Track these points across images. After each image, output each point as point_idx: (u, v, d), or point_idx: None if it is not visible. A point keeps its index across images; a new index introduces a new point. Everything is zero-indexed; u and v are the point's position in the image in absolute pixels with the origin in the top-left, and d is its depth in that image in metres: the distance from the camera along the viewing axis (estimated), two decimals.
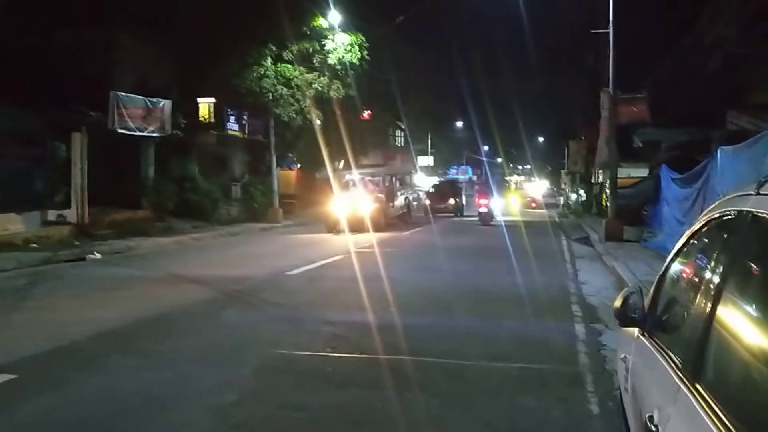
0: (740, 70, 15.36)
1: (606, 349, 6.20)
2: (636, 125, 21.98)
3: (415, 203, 31.50)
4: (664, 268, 2.98)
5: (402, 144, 48.39)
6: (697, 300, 2.35)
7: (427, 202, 33.15)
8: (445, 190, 36.63)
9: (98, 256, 13.79)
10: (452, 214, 33.66)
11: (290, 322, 7.55)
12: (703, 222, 2.60)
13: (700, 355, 2.00)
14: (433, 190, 36.82)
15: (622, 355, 3.29)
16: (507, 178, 76.94)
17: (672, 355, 2.33)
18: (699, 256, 2.57)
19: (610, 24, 16.98)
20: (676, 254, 2.88)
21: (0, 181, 16.13)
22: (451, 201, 34.94)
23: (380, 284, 10.27)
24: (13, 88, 15.38)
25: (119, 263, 13.31)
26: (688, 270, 2.73)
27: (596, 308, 8.38)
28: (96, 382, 5.26)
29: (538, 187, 72.61)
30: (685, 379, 2.03)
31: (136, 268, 12.33)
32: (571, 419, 4.53)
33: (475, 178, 62.89)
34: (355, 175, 24.44)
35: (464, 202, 36.66)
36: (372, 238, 18.27)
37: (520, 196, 48.58)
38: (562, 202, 51.04)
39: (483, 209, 26.60)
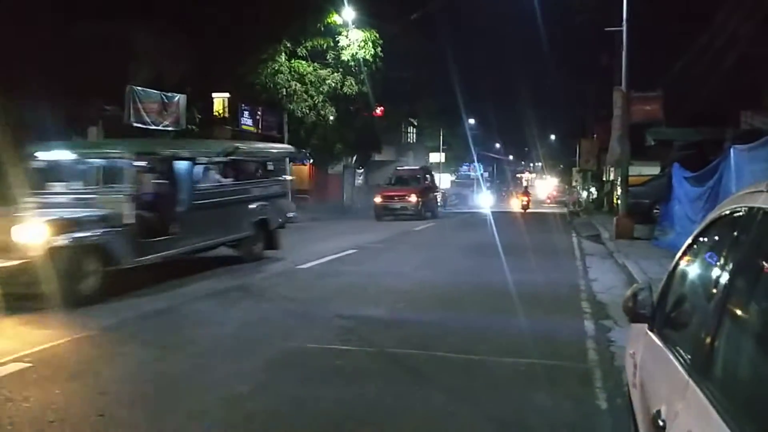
0: (755, 70, 15.27)
1: (615, 346, 6.22)
2: (649, 124, 21.92)
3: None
4: (673, 264, 3.00)
5: (414, 141, 48.38)
6: (706, 297, 2.38)
7: (377, 200, 26.23)
8: (404, 182, 27.87)
9: None
10: (412, 216, 25.09)
11: (302, 316, 7.62)
12: (713, 219, 2.62)
13: (709, 351, 2.02)
14: (387, 183, 28.77)
15: (631, 351, 3.32)
16: (518, 175, 76.83)
17: (681, 352, 2.35)
18: (709, 253, 2.59)
19: (624, 22, 16.91)
20: (686, 251, 2.90)
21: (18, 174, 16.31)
22: (412, 198, 25.74)
23: (390, 279, 10.34)
24: (30, 82, 15.54)
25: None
26: (697, 267, 2.75)
27: (606, 305, 8.39)
28: (108, 374, 5.35)
29: (549, 184, 72.43)
30: (693, 376, 2.05)
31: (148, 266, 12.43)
32: (579, 415, 4.57)
33: (486, 175, 62.82)
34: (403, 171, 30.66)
35: (440, 201, 31.87)
36: (385, 233, 18.36)
37: (526, 194, 48.78)
38: (569, 200, 50.90)
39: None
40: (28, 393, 4.76)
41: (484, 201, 45.65)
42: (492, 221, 23.29)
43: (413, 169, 30.87)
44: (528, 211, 36.53)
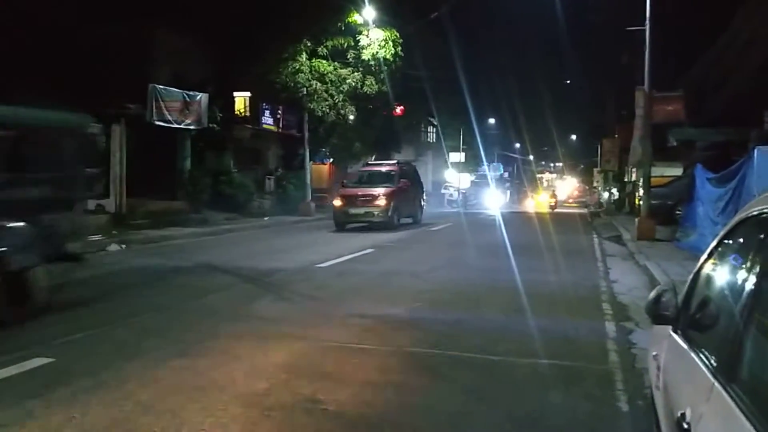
0: None
1: (636, 348, 6.16)
2: (671, 124, 21.69)
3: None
4: (698, 266, 2.97)
5: (434, 140, 48.32)
6: (732, 299, 2.36)
7: (336, 203, 20.46)
8: (374, 180, 21.61)
9: (116, 247, 13.70)
10: (379, 224, 19.75)
11: (320, 314, 7.65)
12: (739, 220, 2.59)
13: (735, 354, 2.00)
14: (354, 181, 22.35)
15: (654, 353, 3.29)
16: (539, 176, 76.42)
17: (706, 354, 2.33)
18: (734, 255, 2.57)
19: (647, 21, 16.75)
20: (711, 252, 2.87)
21: None
22: (380, 202, 19.93)
23: (408, 278, 10.34)
24: (54, 81, 15.75)
25: (155, 252, 13.56)
26: (723, 269, 2.72)
27: (627, 307, 8.31)
28: (129, 369, 5.40)
29: (569, 185, 71.97)
30: (719, 379, 2.03)
31: (171, 258, 12.56)
32: (599, 417, 4.53)
33: (506, 175, 62.54)
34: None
35: (422, 204, 23.97)
36: (403, 233, 18.37)
37: (551, 194, 48.29)
38: (590, 200, 50.49)
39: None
40: None
41: (493, 201, 42.36)
42: (502, 224, 23.06)
43: (388, 164, 23.57)
44: (555, 210, 38.34)
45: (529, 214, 32.50)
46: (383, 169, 22.74)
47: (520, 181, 68.29)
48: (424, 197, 24.43)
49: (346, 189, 21.11)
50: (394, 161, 24.87)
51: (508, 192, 57.31)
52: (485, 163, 53.04)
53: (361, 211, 19.77)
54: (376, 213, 19.69)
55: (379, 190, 20.21)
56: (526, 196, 53.86)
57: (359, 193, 20.33)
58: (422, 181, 26.06)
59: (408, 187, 21.84)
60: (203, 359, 5.68)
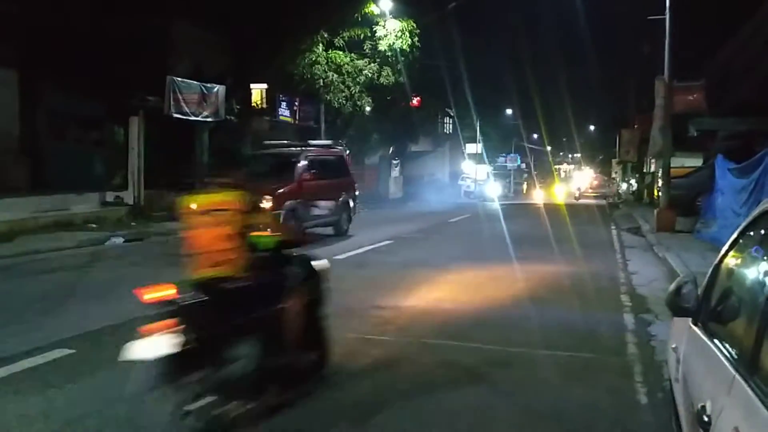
0: None
1: (655, 340, 6.14)
2: (691, 114, 21.42)
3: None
4: (719, 258, 2.95)
5: (451, 131, 48.14)
6: (753, 291, 2.34)
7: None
8: (267, 172, 13.56)
9: (120, 240, 13.59)
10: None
11: (338, 306, 7.60)
12: (761, 212, 2.57)
13: (757, 347, 2.00)
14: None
15: (674, 345, 3.27)
16: (557, 167, 75.91)
17: (727, 347, 2.32)
18: (756, 246, 2.55)
19: (667, 10, 16.54)
20: (733, 244, 2.85)
21: (61, 164, 16.76)
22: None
23: (427, 269, 10.34)
24: (74, 74, 15.90)
25: (172, 244, 13.64)
26: (744, 261, 2.70)
27: (646, 299, 8.27)
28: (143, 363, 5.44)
29: (587, 176, 71.42)
30: (740, 371, 2.03)
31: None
32: (619, 409, 4.52)
33: (524, 166, 62.18)
34: None
35: (352, 207, 16.36)
36: (422, 224, 18.36)
37: (567, 185, 48.10)
38: (609, 191, 50.09)
39: None
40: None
41: (493, 191, 39.41)
42: (519, 216, 22.89)
43: (287, 149, 16.01)
44: (576, 201, 38.45)
45: (546, 206, 32.28)
46: (277, 155, 15.35)
47: (528, 172, 68.00)
48: (354, 198, 16.57)
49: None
50: (301, 144, 16.78)
51: (525, 183, 56.97)
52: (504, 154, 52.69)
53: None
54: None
55: (265, 189, 12.47)
56: (534, 187, 53.28)
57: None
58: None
59: (319, 184, 14.49)
60: None
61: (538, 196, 43.64)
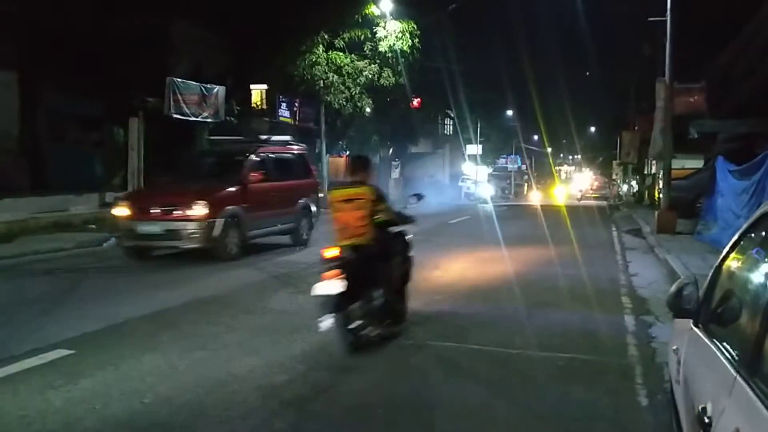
0: None
1: (656, 342, 6.12)
2: (692, 116, 21.38)
3: None
4: (720, 259, 2.94)
5: (451, 133, 48.15)
6: (755, 293, 2.33)
7: (119, 211, 11.42)
8: (209, 172, 13.03)
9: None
10: (196, 250, 11.05)
11: None
12: (762, 214, 2.56)
13: (758, 348, 1.99)
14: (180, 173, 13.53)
15: (674, 347, 3.26)
16: (557, 168, 75.93)
17: (728, 348, 2.31)
18: (757, 248, 2.54)
19: (668, 11, 16.53)
20: (734, 246, 2.84)
21: (60, 164, 16.76)
22: (194, 211, 10.88)
23: (427, 271, 10.32)
24: (74, 75, 15.91)
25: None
26: (745, 262, 2.69)
27: (647, 300, 8.25)
28: (151, 360, 5.45)
29: (588, 177, 71.42)
30: (741, 372, 2.02)
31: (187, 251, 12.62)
32: (619, 411, 4.51)
33: (524, 167, 62.19)
34: None
35: (312, 213, 14.15)
36: (422, 226, 18.32)
37: (567, 187, 48.08)
38: (609, 193, 50.05)
39: None
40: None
41: (486, 192, 39.31)
42: (519, 218, 22.83)
43: (238, 147, 13.69)
44: (576, 203, 38.61)
45: (546, 208, 32.22)
46: (222, 153, 13.95)
47: (538, 173, 67.87)
48: (317, 202, 14.31)
49: (144, 189, 15.37)
50: (253, 140, 13.94)
51: (525, 185, 56.98)
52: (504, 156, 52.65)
53: (157, 228, 10.95)
54: (184, 232, 10.78)
55: (195, 190, 11.26)
56: (531, 188, 53.13)
57: (158, 196, 11.74)
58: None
59: (271, 186, 12.42)
60: (221, 352, 5.72)
61: (535, 198, 43.55)
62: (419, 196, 7.87)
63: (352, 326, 5.74)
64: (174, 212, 10.92)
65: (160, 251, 11.49)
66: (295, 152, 14.38)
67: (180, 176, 12.96)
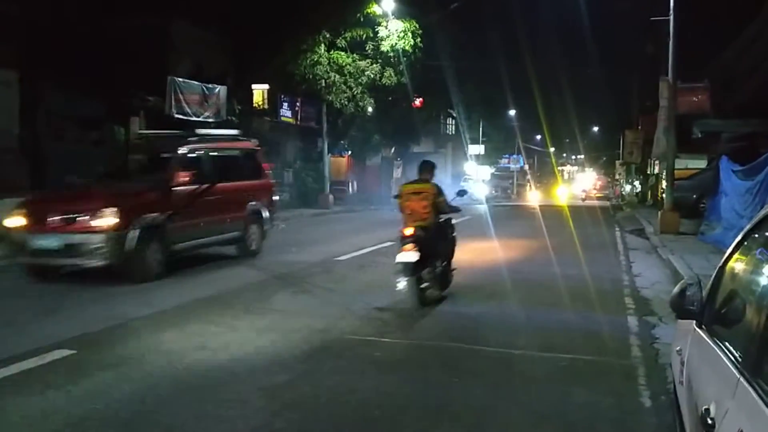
0: None
1: (659, 343, 6.10)
2: (696, 115, 21.35)
3: None
4: (723, 260, 2.92)
5: (453, 132, 48.15)
6: (758, 293, 2.31)
7: (10, 223, 9.26)
8: (130, 172, 11.28)
9: None
10: (103, 269, 8.93)
11: (340, 307, 7.64)
12: (766, 214, 2.54)
13: (762, 349, 1.98)
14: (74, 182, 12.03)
15: (678, 348, 3.25)
16: (559, 168, 75.89)
17: (731, 349, 2.30)
18: (761, 249, 2.52)
19: (671, 11, 16.50)
20: (737, 247, 2.82)
21: (61, 164, 16.74)
22: (100, 221, 8.78)
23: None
24: (74, 74, 15.90)
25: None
26: (749, 263, 2.67)
27: (650, 301, 8.23)
28: (151, 361, 5.44)
29: (591, 177, 71.37)
30: (745, 374, 2.00)
31: (188, 250, 12.61)
32: (622, 412, 4.49)
33: (526, 167, 62.18)
34: None
35: (264, 219, 12.14)
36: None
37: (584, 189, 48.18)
38: (612, 193, 50.02)
39: None
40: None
41: (481, 192, 36.18)
42: (522, 218, 22.77)
43: (167, 142, 11.63)
44: (578, 203, 38.83)
45: (546, 208, 32.17)
46: (149, 149, 12.04)
47: (540, 173, 67.80)
48: (271, 207, 12.47)
49: (48, 193, 11.91)
50: (190, 134, 11.66)
51: (528, 184, 56.96)
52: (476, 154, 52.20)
53: (54, 242, 8.90)
54: (87, 246, 8.77)
55: (104, 195, 9.35)
56: (531, 188, 52.90)
57: (59, 202, 9.49)
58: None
59: (207, 189, 10.34)
60: (222, 352, 5.70)
61: (535, 198, 43.37)
62: (462, 193, 9.34)
63: (422, 286, 7.60)
64: (76, 222, 8.81)
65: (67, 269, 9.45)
66: (244, 149, 12.38)
67: (101, 177, 10.93)
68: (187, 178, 9.99)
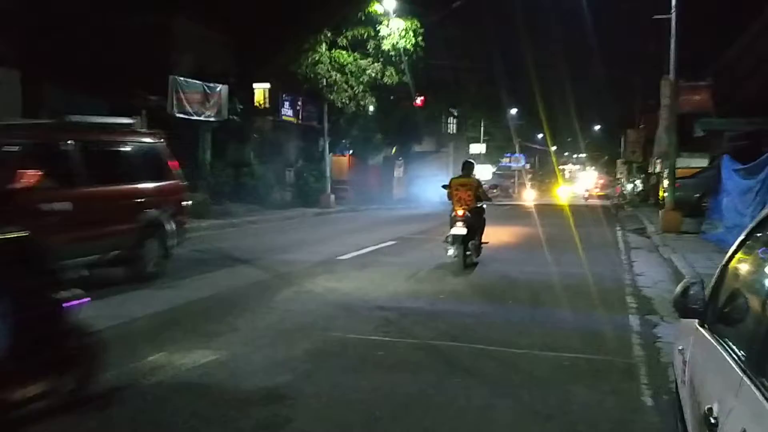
0: None
1: (661, 342, 6.09)
2: (697, 114, 21.34)
3: None
4: (726, 259, 2.92)
5: (455, 131, 48.13)
6: (761, 292, 2.30)
7: None
8: None
9: None
10: None
11: (342, 306, 7.64)
12: None
13: (765, 348, 1.98)
14: None
15: (680, 347, 3.24)
16: (561, 167, 75.80)
17: (734, 348, 2.29)
18: (763, 247, 2.52)
19: (673, 9, 16.47)
20: (740, 246, 2.81)
21: None
22: None
23: (431, 270, 10.30)
24: (76, 73, 15.92)
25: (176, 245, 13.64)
26: (751, 262, 2.66)
27: (652, 300, 8.22)
28: (154, 359, 5.43)
29: (593, 176, 71.29)
30: (748, 373, 2.00)
31: (193, 250, 12.63)
32: (624, 411, 4.48)
33: (528, 166, 62.10)
34: None
35: (169, 228, 9.56)
36: (428, 224, 18.32)
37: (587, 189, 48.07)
38: (613, 192, 49.94)
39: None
40: None
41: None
42: (525, 216, 22.64)
43: (19, 129, 8.31)
44: (588, 201, 39.82)
45: (548, 208, 32.11)
46: None
47: (542, 172, 67.66)
48: (179, 215, 10.14)
49: None
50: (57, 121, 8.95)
51: (529, 184, 56.89)
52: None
53: None
54: None
55: None
56: (525, 187, 52.54)
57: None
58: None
59: (71, 194, 7.99)
60: (225, 352, 5.70)
61: (530, 197, 43.13)
62: (446, 187, 11.11)
63: (468, 253, 10.44)
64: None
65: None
66: (137, 142, 9.78)
67: None
68: (30, 181, 7.33)
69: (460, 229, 10.16)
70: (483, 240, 11.12)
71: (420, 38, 24.32)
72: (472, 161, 11.76)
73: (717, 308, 2.77)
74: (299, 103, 26.92)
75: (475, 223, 10.57)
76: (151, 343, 5.90)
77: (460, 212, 10.29)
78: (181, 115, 19.03)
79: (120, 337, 6.10)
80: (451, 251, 10.33)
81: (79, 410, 4.23)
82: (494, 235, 13.27)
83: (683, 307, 2.93)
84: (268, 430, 4.10)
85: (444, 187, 11.11)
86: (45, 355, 4.01)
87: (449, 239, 10.32)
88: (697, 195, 18.45)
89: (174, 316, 7.07)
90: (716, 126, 20.73)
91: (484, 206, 11.15)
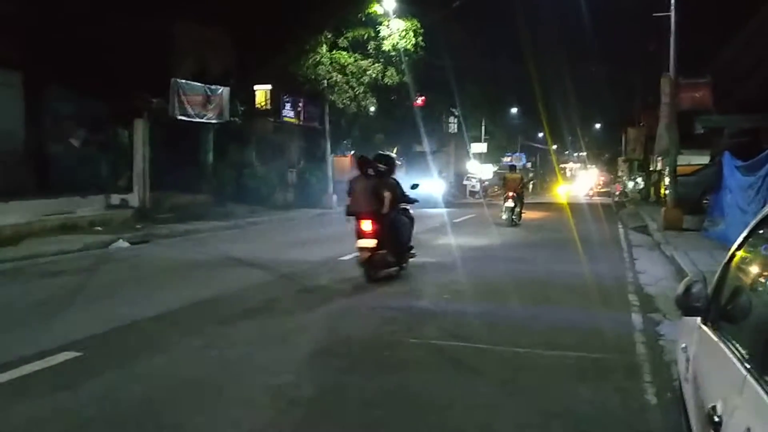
0: None
1: (664, 340, 6.10)
2: (698, 111, 21.31)
3: None
4: (728, 256, 2.92)
5: (455, 131, 48.06)
6: (764, 290, 2.31)
7: None
8: None
9: (125, 244, 13.39)
10: None
11: (345, 306, 7.65)
12: None
13: None
14: None
15: (683, 345, 3.24)
16: (562, 165, 75.70)
17: (737, 346, 2.29)
18: (766, 245, 2.52)
19: (672, 6, 16.46)
20: (742, 243, 2.82)
21: (66, 166, 16.79)
22: None
23: (433, 270, 10.31)
24: (78, 76, 15.93)
25: (179, 246, 13.67)
26: (754, 259, 2.67)
27: (654, 298, 8.22)
28: (157, 361, 5.44)
29: (594, 175, 71.18)
30: (752, 371, 2.00)
31: (195, 252, 12.65)
32: (627, 409, 4.49)
33: (529, 165, 62.02)
34: None
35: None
36: (430, 224, 18.33)
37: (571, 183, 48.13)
38: (614, 190, 49.84)
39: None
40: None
41: (438, 190, 28.32)
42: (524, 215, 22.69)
43: None
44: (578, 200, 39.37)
45: (549, 207, 32.06)
46: None
47: (543, 171, 67.53)
48: None
49: None
50: None
51: (531, 183, 56.86)
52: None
53: None
54: None
55: None
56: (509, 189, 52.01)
57: None
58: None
59: None
60: (228, 351, 5.72)
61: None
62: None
63: (513, 218, 18.02)
64: None
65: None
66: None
67: None
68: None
69: (511, 203, 17.94)
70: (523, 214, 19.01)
71: (420, 38, 24.34)
72: (515, 164, 15.06)
73: (720, 306, 2.77)
74: (300, 104, 26.94)
75: (520, 201, 18.54)
76: (152, 346, 5.92)
77: (511, 194, 18.07)
78: (183, 118, 19.06)
79: (120, 337, 6.13)
80: (504, 216, 18.06)
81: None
82: (495, 234, 13.27)
83: (686, 305, 2.93)
84: (274, 429, 4.12)
85: (501, 179, 20.67)
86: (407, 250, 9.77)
87: (504, 209, 18.14)
88: (699, 192, 18.45)
89: (175, 317, 7.07)
90: (716, 123, 20.72)
91: (524, 192, 19.54)
